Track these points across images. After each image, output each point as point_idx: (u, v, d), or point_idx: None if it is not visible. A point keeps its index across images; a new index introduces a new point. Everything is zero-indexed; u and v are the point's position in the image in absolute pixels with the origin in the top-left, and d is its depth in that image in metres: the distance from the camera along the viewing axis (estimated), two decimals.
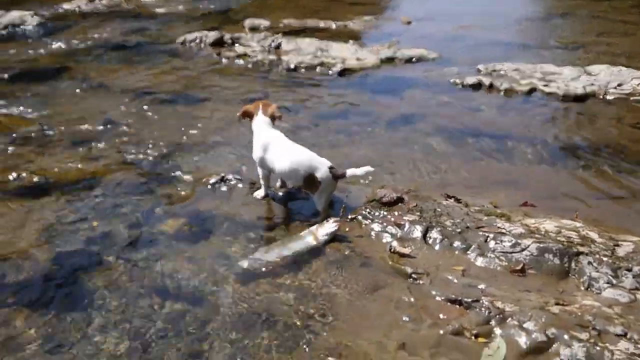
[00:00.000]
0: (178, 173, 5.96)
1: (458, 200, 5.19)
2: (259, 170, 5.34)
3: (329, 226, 4.79)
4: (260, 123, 5.28)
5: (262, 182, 5.40)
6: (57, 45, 10.92)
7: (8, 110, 7.71)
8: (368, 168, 5.01)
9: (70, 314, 4.01)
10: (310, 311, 3.99)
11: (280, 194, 5.52)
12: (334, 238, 4.73)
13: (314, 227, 4.83)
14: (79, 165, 6.13)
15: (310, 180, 5.01)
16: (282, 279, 4.32)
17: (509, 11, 13.61)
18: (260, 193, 5.43)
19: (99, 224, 5.07)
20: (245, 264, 4.56)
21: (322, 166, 4.99)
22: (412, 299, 4.05)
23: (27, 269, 4.47)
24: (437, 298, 4.03)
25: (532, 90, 8.00)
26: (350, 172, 4.99)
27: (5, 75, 9.16)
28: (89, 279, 4.36)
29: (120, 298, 4.16)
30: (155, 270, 4.47)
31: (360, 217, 4.99)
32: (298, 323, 3.89)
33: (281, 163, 5.11)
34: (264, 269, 4.47)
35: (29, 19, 12.59)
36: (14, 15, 12.65)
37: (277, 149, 5.15)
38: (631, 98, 7.68)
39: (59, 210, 5.28)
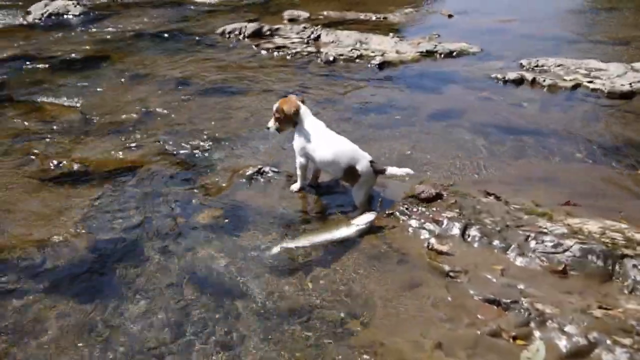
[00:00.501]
0: (215, 164, 5.97)
1: (498, 198, 5.08)
2: (298, 161, 5.30)
3: (366, 217, 4.77)
4: (306, 113, 5.23)
5: (299, 173, 5.37)
6: (98, 34, 11.06)
7: (50, 98, 7.82)
8: (408, 170, 5.03)
9: (107, 302, 4.06)
10: (345, 307, 3.96)
11: (313, 188, 5.48)
12: (370, 231, 4.70)
13: (351, 218, 4.84)
14: (119, 154, 6.19)
15: (350, 172, 5.00)
16: (317, 273, 4.30)
17: (552, 5, 13.33)
18: (296, 186, 5.40)
19: (137, 213, 5.11)
20: (276, 249, 4.57)
21: (363, 159, 4.97)
22: (449, 298, 3.98)
23: (66, 256, 4.53)
24: (475, 297, 3.96)
25: (577, 86, 7.80)
26: (390, 170, 4.99)
27: (49, 64, 9.29)
28: (126, 268, 4.41)
29: (156, 288, 4.19)
30: (191, 261, 4.49)
31: (397, 213, 4.93)
32: (333, 319, 3.86)
33: (323, 153, 5.08)
34: (296, 257, 4.47)
35: (72, 8, 12.79)
36: (59, 4, 12.85)
37: (320, 139, 5.12)
38: None
39: (97, 198, 5.34)
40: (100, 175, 5.77)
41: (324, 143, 5.09)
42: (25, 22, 12.03)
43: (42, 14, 12.44)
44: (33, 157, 6.13)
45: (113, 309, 3.99)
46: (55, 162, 5.98)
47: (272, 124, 5.26)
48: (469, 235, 4.56)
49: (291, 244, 4.63)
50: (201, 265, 4.43)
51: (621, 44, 9.97)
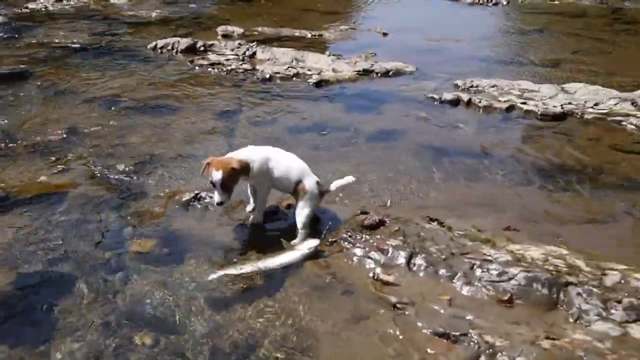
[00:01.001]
0: (149, 188, 5.70)
1: (441, 224, 5.03)
2: (263, 188, 5.05)
3: (310, 242, 4.65)
4: (253, 148, 4.98)
5: (262, 200, 5.11)
6: (21, 46, 10.50)
7: None
8: (350, 178, 5.07)
9: (33, 345, 3.74)
10: (290, 343, 3.79)
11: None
12: (313, 258, 4.56)
13: (294, 243, 4.75)
14: (43, 178, 5.82)
15: (297, 188, 4.92)
16: (258, 305, 4.12)
17: (484, 25, 13.62)
18: (259, 216, 5.16)
19: (64, 243, 4.79)
20: (216, 275, 4.38)
21: (310, 176, 4.94)
22: (397, 332, 3.88)
23: None
24: (424, 330, 3.87)
25: (511, 107, 7.90)
26: (334, 185, 5.04)
27: None
28: (53, 306, 4.10)
29: (87, 327, 3.90)
30: (125, 295, 4.22)
31: (341, 240, 4.79)
32: (278, 356, 3.68)
33: (280, 169, 4.90)
34: (236, 288, 4.28)
35: None
36: None
37: (277, 158, 4.94)
38: (608, 118, 7.64)
39: (20, 227, 4.98)
40: (22, 202, 5.39)
41: (280, 161, 4.94)
42: None
43: None
44: None
45: (40, 354, 3.68)
46: None
47: (220, 197, 4.63)
48: (414, 264, 4.48)
49: (232, 270, 4.44)
50: (136, 299, 4.17)
51: (551, 65, 10.22)
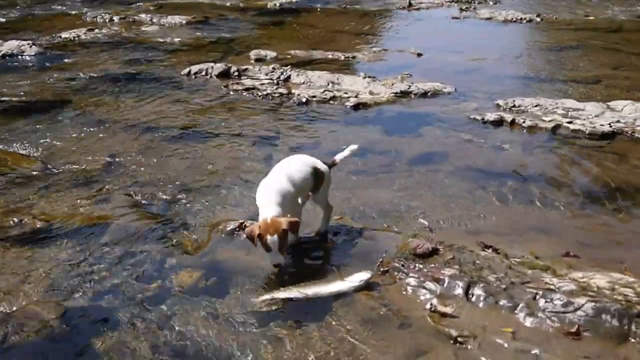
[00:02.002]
0: (191, 218, 5.58)
1: (496, 251, 4.82)
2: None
3: (361, 275, 4.47)
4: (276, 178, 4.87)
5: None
6: (56, 76, 10.56)
7: (7, 147, 7.32)
8: (353, 147, 5.44)
9: None
10: None
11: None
12: (365, 290, 4.38)
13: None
14: (85, 209, 5.74)
15: (315, 176, 4.94)
16: (311, 340, 3.94)
17: (519, 43, 13.36)
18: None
19: (108, 276, 4.69)
20: (258, 299, 4.31)
21: (318, 161, 5.07)
22: None
23: (33, 330, 4.07)
24: None
25: (557, 127, 7.66)
26: (338, 156, 5.39)
27: (3, 109, 8.77)
28: (99, 342, 3.97)
29: None
30: (171, 330, 4.08)
31: (393, 270, 4.60)
32: None
33: (298, 173, 4.86)
34: (286, 321, 4.13)
35: (28, 49, 12.26)
36: (12, 44, 12.33)
37: (295, 168, 4.91)
38: None
39: (64, 260, 4.89)
40: (66, 233, 5.31)
41: (298, 168, 4.92)
42: None
43: None
44: None
45: None
46: (15, 219, 5.50)
47: (278, 259, 4.52)
48: (473, 295, 4.26)
49: (279, 294, 4.33)
50: (183, 333, 4.03)
51: (591, 82, 9.95)
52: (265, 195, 4.69)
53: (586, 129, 7.48)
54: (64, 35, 13.86)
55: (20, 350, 3.89)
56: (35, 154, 7.10)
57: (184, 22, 15.05)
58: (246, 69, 10.49)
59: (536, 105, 8.34)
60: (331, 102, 8.99)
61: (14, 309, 4.26)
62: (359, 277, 4.44)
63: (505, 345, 3.81)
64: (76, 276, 4.66)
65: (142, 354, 3.85)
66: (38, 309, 4.26)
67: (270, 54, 11.82)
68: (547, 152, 7.18)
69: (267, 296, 4.33)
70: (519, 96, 8.82)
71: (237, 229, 5.23)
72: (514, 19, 15.03)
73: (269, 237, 4.38)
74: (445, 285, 4.36)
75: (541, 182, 6.39)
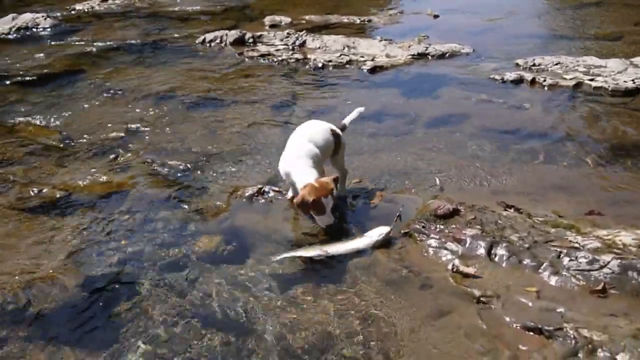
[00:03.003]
0: (210, 184, 5.56)
1: (519, 211, 4.74)
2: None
3: (380, 229, 4.47)
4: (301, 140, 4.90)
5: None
6: (72, 47, 10.55)
7: (26, 118, 7.33)
8: (359, 109, 5.46)
9: (102, 349, 3.62)
10: (368, 342, 3.58)
11: None
12: (386, 248, 4.35)
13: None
14: (104, 178, 5.74)
15: (335, 139, 5.01)
16: (332, 302, 3.92)
17: (537, 1, 13.10)
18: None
19: (128, 242, 4.69)
20: (277, 258, 4.32)
21: (332, 125, 5.14)
22: (484, 327, 3.62)
23: (54, 297, 4.09)
24: (513, 325, 3.61)
25: (578, 84, 7.50)
26: (347, 120, 5.43)
27: (21, 81, 8.78)
28: (121, 307, 3.98)
29: (155, 327, 3.78)
30: (191, 294, 4.08)
31: (414, 232, 4.55)
32: (355, 357, 3.48)
33: (320, 137, 4.90)
34: (307, 282, 4.13)
35: (42, 21, 12.23)
36: (27, 17, 12.30)
37: (317, 130, 4.98)
38: None
39: (84, 228, 4.89)
40: (85, 202, 5.32)
41: (320, 132, 4.97)
42: None
43: (10, 29, 11.88)
44: (10, 184, 5.66)
45: (110, 356, 3.57)
46: (35, 189, 5.51)
47: (330, 218, 4.57)
48: (495, 255, 4.21)
49: (298, 253, 4.34)
50: (203, 298, 4.03)
51: (613, 39, 9.72)
52: (298, 163, 4.68)
53: (609, 86, 7.32)
54: (78, 7, 13.81)
55: (42, 318, 3.91)
56: (53, 125, 7.10)
57: None
58: (261, 36, 10.38)
59: (557, 64, 8.17)
60: (347, 66, 8.88)
61: (36, 276, 4.28)
62: (378, 232, 4.43)
63: (530, 304, 3.75)
64: (96, 244, 4.67)
65: (162, 320, 3.85)
66: (59, 276, 4.27)
67: (285, 19, 11.68)
68: (569, 110, 7.05)
69: (286, 254, 4.33)
70: (539, 55, 8.65)
71: (256, 194, 5.21)
72: None
73: (322, 200, 4.40)
74: (467, 245, 4.30)
75: (563, 140, 6.27)
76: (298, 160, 4.67)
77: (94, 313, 3.96)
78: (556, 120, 6.80)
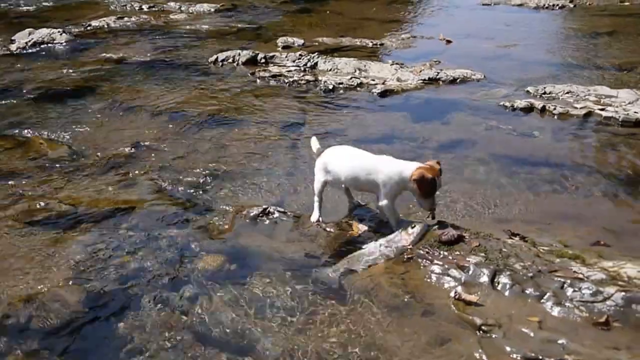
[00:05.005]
0: (215, 203, 5.58)
1: (524, 239, 4.70)
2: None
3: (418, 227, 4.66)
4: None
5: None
6: (86, 63, 10.66)
7: (36, 132, 7.39)
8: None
9: None
10: None
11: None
12: (390, 275, 4.34)
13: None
14: (110, 194, 5.77)
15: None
16: (333, 326, 3.90)
17: (551, 29, 13.14)
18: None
19: (132, 260, 4.71)
20: (334, 273, 4.38)
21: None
22: (484, 356, 3.58)
23: (56, 312, 4.13)
24: (514, 355, 3.56)
25: (589, 114, 7.48)
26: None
27: (34, 95, 8.87)
28: (122, 324, 3.99)
29: (157, 346, 3.78)
30: (194, 314, 4.09)
31: (417, 257, 4.53)
32: None
33: None
34: (309, 306, 4.11)
35: (58, 36, 12.38)
36: (43, 32, 12.45)
37: None
38: None
39: (89, 243, 4.93)
40: (91, 217, 5.35)
41: None
42: (8, 51, 11.60)
43: (27, 43, 12.03)
44: (18, 197, 5.70)
45: None
46: (42, 202, 5.55)
47: (435, 202, 4.85)
48: (498, 283, 4.17)
49: (350, 267, 4.47)
50: (205, 318, 4.03)
51: (626, 69, 9.70)
52: (396, 160, 4.88)
53: (619, 116, 7.29)
54: (94, 23, 13.96)
55: (43, 332, 3.93)
56: (63, 140, 7.15)
57: (212, 9, 15.06)
58: (273, 56, 10.45)
59: (567, 92, 8.15)
60: (358, 88, 8.91)
61: (39, 290, 4.30)
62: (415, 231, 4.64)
63: (532, 334, 3.71)
64: (100, 260, 4.69)
65: (164, 338, 3.85)
66: (62, 291, 4.29)
67: (298, 41, 11.76)
68: (579, 140, 7.01)
69: (346, 265, 4.48)
70: (550, 83, 8.65)
71: (261, 214, 5.21)
72: (546, 6, 14.73)
73: (437, 179, 4.65)
74: (471, 272, 4.26)
75: (572, 169, 6.24)
76: (394, 160, 4.89)
77: (95, 329, 3.99)
78: (565, 149, 6.78)
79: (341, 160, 5.01)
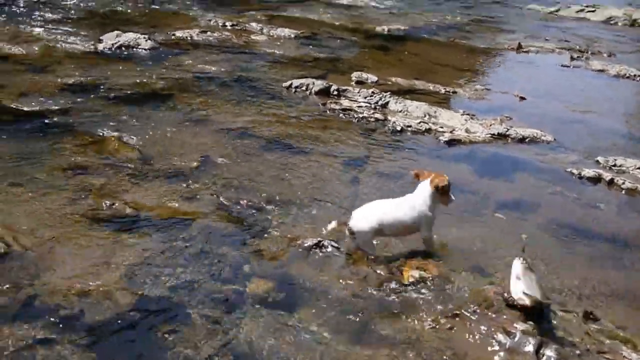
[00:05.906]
0: (271, 228, 5.66)
1: (576, 314, 4.62)
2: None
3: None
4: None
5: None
6: (165, 71, 10.99)
7: (112, 133, 7.65)
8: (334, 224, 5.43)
9: None
10: None
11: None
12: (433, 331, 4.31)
13: None
14: (173, 203, 5.94)
15: None
16: None
17: (630, 100, 12.86)
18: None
19: (185, 271, 4.84)
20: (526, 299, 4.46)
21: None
22: None
23: (107, 311, 4.30)
24: None
25: None
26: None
27: (113, 95, 9.19)
28: (167, 332, 4.12)
29: (195, 358, 3.86)
30: (236, 333, 4.18)
31: (465, 313, 4.50)
32: None
33: None
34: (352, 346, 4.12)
35: (143, 42, 12.80)
36: (130, 36, 12.90)
37: None
38: None
39: (147, 249, 5.08)
40: (151, 223, 5.53)
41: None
42: (95, 50, 12.08)
43: (113, 44, 12.49)
44: (86, 194, 5.93)
45: None
46: (108, 202, 5.76)
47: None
48: (543, 355, 4.11)
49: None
50: (250, 339, 4.13)
51: None
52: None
53: None
54: (178, 33, 14.38)
55: (91, 327, 4.08)
56: (134, 143, 7.39)
57: (292, 35, 15.32)
58: (346, 90, 10.57)
59: (639, 168, 7.97)
60: (426, 134, 8.92)
61: (93, 287, 4.46)
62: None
63: None
64: (155, 266, 4.84)
65: (205, 353, 3.93)
66: (114, 292, 4.44)
67: (372, 77, 11.85)
68: None
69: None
70: (622, 155, 8.47)
71: (314, 246, 5.27)
72: (627, 75, 14.39)
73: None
74: (516, 339, 4.22)
75: (635, 248, 6.09)
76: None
77: (141, 332, 4.11)
78: (630, 225, 6.62)
79: None
